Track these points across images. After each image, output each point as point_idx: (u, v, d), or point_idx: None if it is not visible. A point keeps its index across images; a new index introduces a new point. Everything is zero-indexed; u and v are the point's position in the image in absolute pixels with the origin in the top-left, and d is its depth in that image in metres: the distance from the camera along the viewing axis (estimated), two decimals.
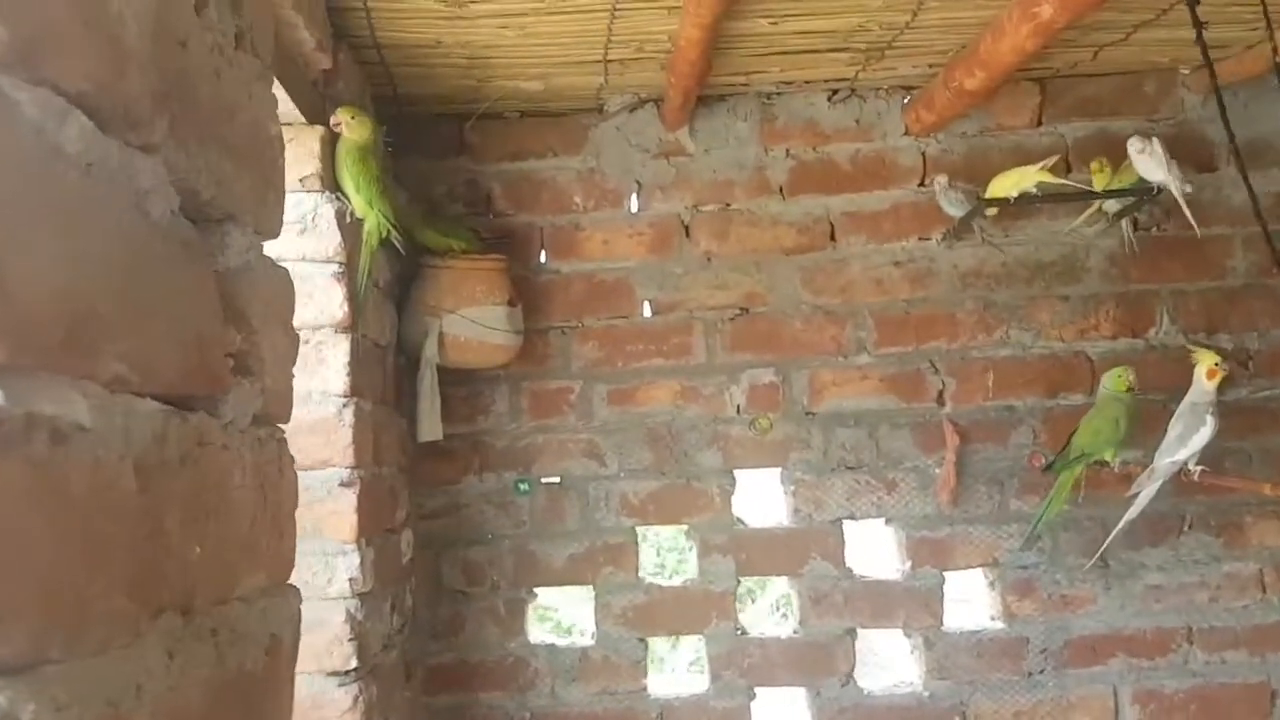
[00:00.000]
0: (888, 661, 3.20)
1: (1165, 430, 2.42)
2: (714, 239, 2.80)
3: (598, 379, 2.79)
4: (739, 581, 2.78)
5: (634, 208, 2.82)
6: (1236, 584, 2.74)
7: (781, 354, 2.78)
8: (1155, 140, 2.45)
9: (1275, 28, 1.97)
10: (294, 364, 1.07)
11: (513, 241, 2.77)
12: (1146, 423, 2.51)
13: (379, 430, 2.26)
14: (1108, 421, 2.47)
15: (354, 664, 2.00)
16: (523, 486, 2.76)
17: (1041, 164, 2.53)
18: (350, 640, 2.00)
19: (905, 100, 2.79)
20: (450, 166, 2.79)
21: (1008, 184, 2.55)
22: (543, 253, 2.81)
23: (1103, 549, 2.62)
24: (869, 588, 2.75)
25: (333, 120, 2.08)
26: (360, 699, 2.00)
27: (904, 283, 2.79)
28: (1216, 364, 2.39)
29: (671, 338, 2.79)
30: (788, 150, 2.81)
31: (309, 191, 2.07)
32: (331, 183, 2.11)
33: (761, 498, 2.94)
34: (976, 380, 2.77)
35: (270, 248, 1.03)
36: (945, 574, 2.75)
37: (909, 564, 2.75)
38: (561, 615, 4.73)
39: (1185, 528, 2.75)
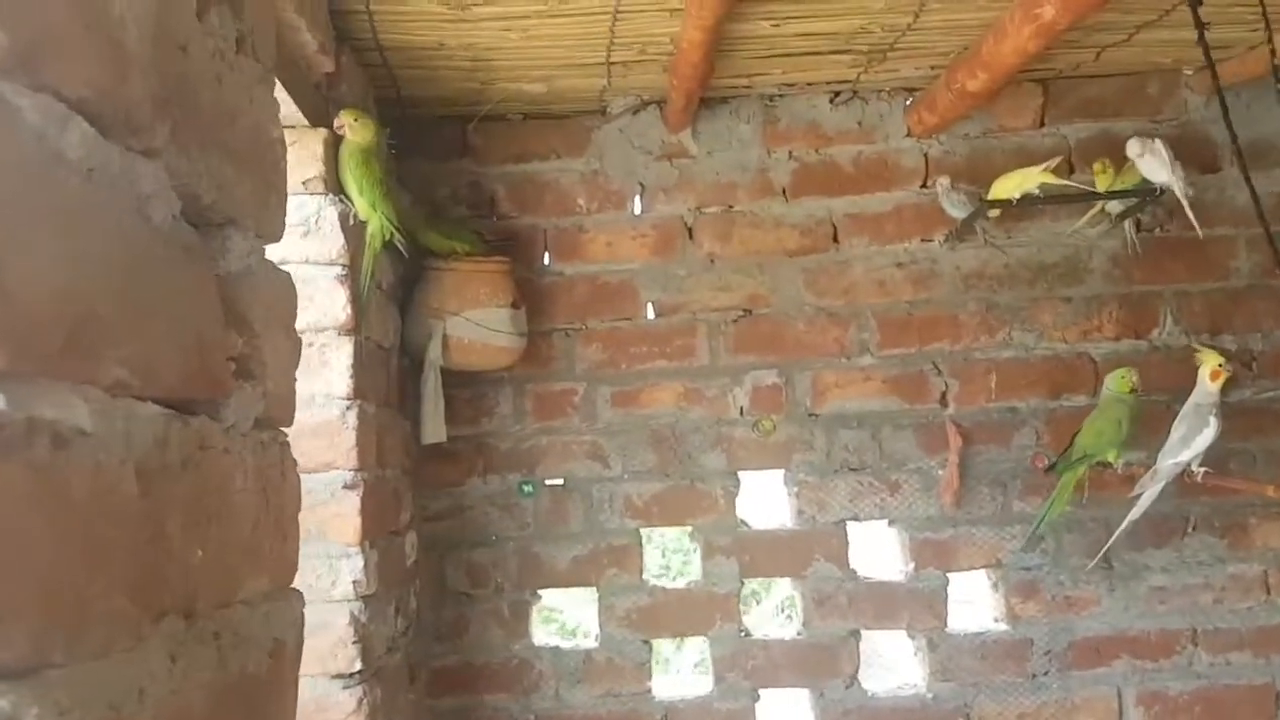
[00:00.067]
0: (892, 663, 3.20)
1: (1169, 431, 2.42)
2: (717, 241, 2.80)
3: (601, 381, 2.79)
4: (743, 583, 2.77)
5: (637, 210, 2.82)
6: (1241, 585, 2.73)
7: (784, 355, 2.78)
8: (1158, 141, 2.45)
9: (1275, 30, 1.97)
10: (296, 368, 1.08)
11: (516, 243, 2.77)
12: (1150, 424, 2.51)
13: (383, 432, 2.27)
14: (1110, 423, 2.47)
15: (358, 666, 2.00)
16: (527, 488, 2.76)
17: (1044, 165, 2.53)
18: (354, 643, 2.01)
19: (907, 102, 2.79)
20: (453, 168, 2.80)
21: (1010, 185, 2.55)
22: (546, 255, 2.81)
23: (1105, 550, 2.62)
24: (873, 589, 2.75)
25: (336, 123, 2.09)
26: (364, 701, 2.00)
27: (907, 284, 2.79)
28: (1220, 365, 2.38)
29: (675, 339, 2.79)
30: (790, 152, 2.81)
31: (312, 194, 2.08)
32: (335, 185, 2.11)
33: (765, 499, 2.95)
34: (979, 381, 2.77)
35: (273, 250, 1.03)
36: (949, 575, 2.75)
37: (912, 565, 2.75)
38: (566, 617, 4.74)
39: (1189, 529, 2.74)
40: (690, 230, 2.81)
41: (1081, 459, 2.51)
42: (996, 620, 2.76)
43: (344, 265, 2.08)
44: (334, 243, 2.08)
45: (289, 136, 1.18)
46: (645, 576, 2.78)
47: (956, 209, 2.66)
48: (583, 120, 2.81)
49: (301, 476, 1.09)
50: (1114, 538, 2.57)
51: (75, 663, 0.59)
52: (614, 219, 2.81)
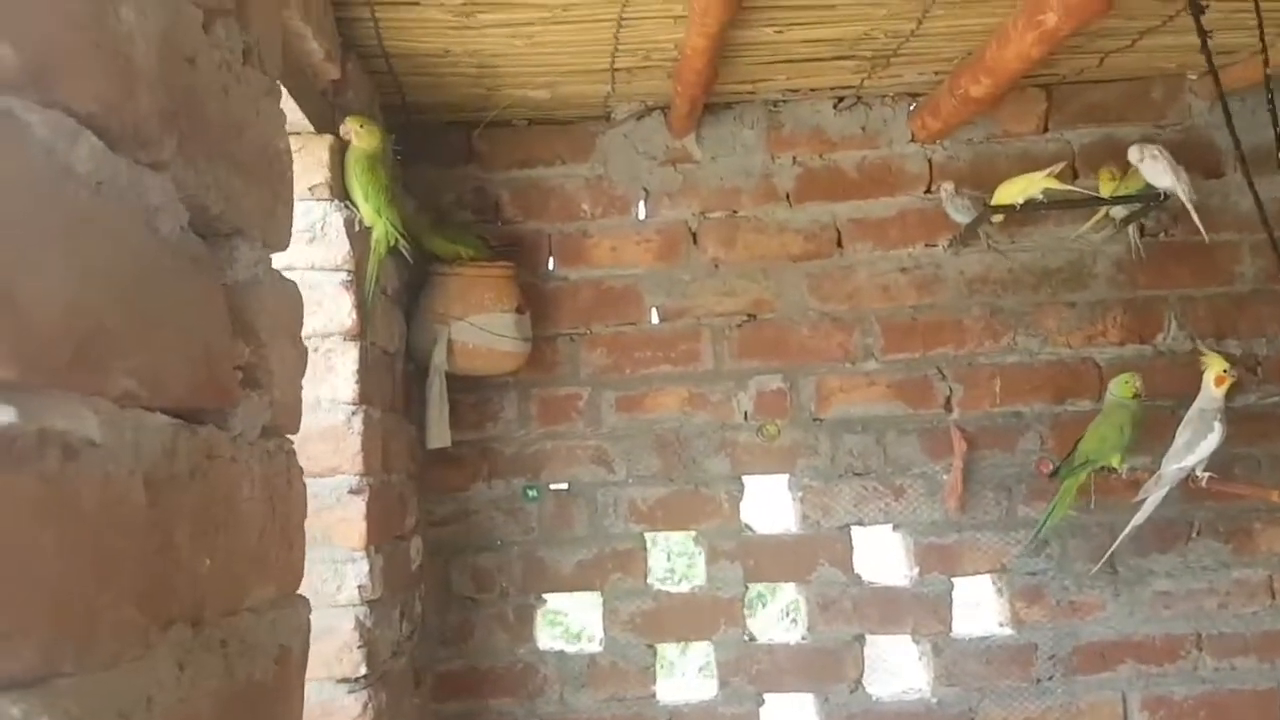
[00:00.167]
0: (896, 668, 3.20)
1: (1173, 436, 2.42)
2: (721, 246, 2.81)
3: (606, 386, 2.79)
4: (747, 587, 2.78)
5: (641, 215, 2.83)
6: (1246, 590, 2.73)
7: (789, 360, 2.79)
8: (1158, 147, 2.45)
9: (1269, 40, 1.97)
10: (303, 376, 1.08)
11: (521, 249, 2.78)
12: (1154, 429, 2.51)
13: (388, 437, 2.27)
14: (1113, 428, 2.47)
15: (363, 671, 2.01)
16: (531, 493, 2.76)
17: (1048, 170, 2.53)
18: (360, 647, 2.01)
19: (911, 107, 2.79)
20: (459, 174, 2.81)
21: (1014, 190, 2.55)
22: (551, 260, 2.82)
23: (1109, 554, 2.62)
24: (877, 594, 2.75)
25: (342, 129, 2.10)
26: (370, 706, 2.01)
27: (911, 289, 2.79)
28: (1225, 370, 2.39)
29: (679, 344, 2.80)
30: (794, 157, 2.82)
31: (318, 200, 2.08)
32: (340, 191, 2.12)
33: (769, 504, 2.95)
34: (984, 386, 2.77)
35: (279, 257, 1.03)
36: (953, 580, 2.75)
37: (917, 570, 2.75)
38: (570, 621, 4.73)
39: (1194, 534, 2.74)
40: (694, 235, 2.82)
41: (1085, 464, 2.51)
42: (1001, 625, 2.76)
43: (349, 271, 2.09)
44: (339, 248, 2.09)
45: (295, 143, 1.19)
46: (650, 581, 2.79)
47: (960, 214, 2.66)
48: (587, 126, 2.82)
49: (307, 481, 1.09)
50: (1118, 542, 2.57)
51: (85, 672, 0.60)
52: (618, 224, 2.82)
